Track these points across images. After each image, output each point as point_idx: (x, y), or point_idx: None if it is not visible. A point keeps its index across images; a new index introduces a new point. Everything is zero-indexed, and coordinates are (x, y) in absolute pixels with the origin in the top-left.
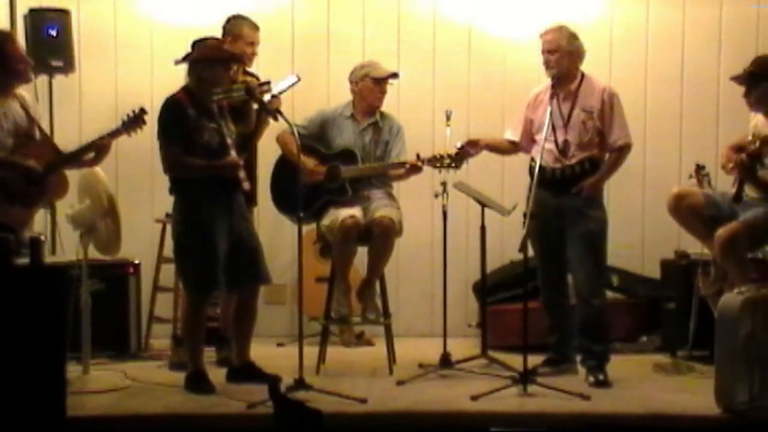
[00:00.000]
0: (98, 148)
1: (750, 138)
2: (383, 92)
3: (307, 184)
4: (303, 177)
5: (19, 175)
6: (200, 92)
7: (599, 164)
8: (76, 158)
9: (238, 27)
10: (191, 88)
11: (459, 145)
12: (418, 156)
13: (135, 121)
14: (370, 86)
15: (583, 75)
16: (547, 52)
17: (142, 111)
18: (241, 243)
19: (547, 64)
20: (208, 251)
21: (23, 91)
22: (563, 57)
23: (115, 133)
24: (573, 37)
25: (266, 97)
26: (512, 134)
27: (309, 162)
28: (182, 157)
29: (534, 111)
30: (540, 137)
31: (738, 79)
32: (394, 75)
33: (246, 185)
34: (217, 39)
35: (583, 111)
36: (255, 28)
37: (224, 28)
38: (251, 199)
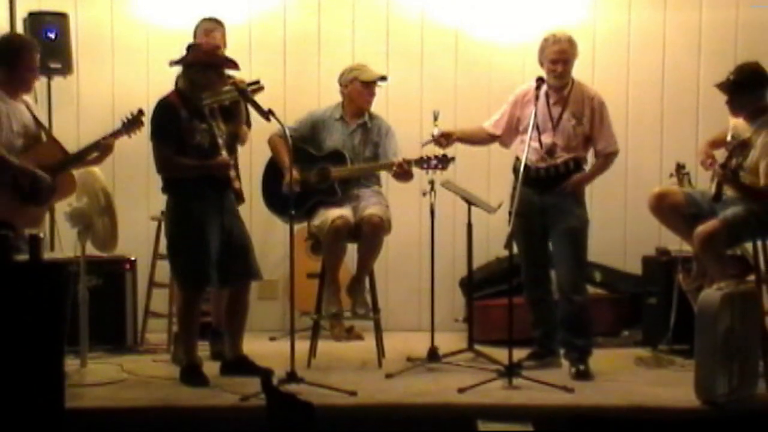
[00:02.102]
0: (102, 148)
1: (729, 138)
2: (372, 95)
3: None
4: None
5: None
6: (192, 95)
7: (582, 164)
8: (82, 158)
9: (197, 26)
10: (183, 90)
11: (434, 133)
12: (404, 159)
13: (134, 122)
14: (358, 89)
15: (573, 81)
16: (562, 62)
17: (140, 112)
18: (232, 240)
19: (560, 75)
20: (199, 249)
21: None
22: (571, 68)
23: (116, 134)
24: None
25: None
26: (493, 127)
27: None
28: (174, 157)
29: (522, 110)
30: (527, 137)
31: (722, 86)
32: (383, 78)
33: (237, 184)
34: (213, 44)
35: (573, 117)
36: (213, 27)
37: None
38: (239, 196)
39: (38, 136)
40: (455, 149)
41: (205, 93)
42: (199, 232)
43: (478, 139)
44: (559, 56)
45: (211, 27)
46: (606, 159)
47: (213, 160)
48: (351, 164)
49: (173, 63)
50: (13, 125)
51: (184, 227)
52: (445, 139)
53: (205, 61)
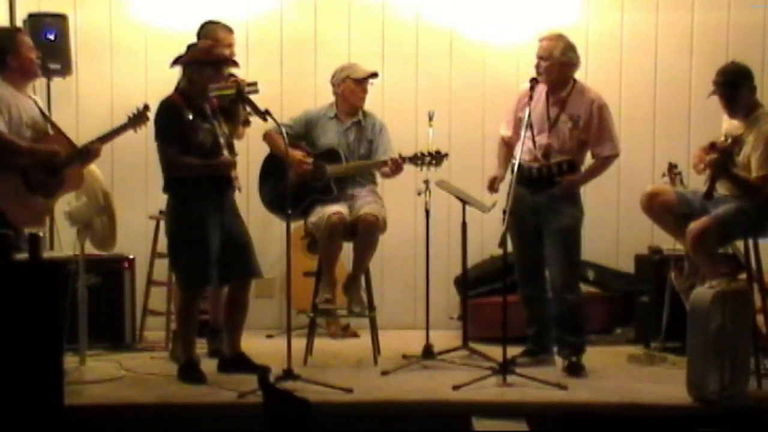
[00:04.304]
0: (89, 152)
1: (722, 139)
2: (364, 92)
3: (293, 181)
4: (291, 171)
5: (40, 165)
6: (192, 93)
7: (577, 165)
8: (88, 151)
9: (213, 31)
10: (184, 89)
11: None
12: (399, 155)
13: (140, 116)
14: (351, 87)
15: (575, 82)
16: (539, 57)
17: (146, 107)
18: (233, 239)
19: (537, 69)
20: (200, 247)
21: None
22: (554, 66)
23: (121, 129)
24: (568, 47)
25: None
26: (506, 128)
27: (296, 154)
28: (180, 156)
29: (522, 110)
30: (521, 136)
31: (717, 92)
32: (374, 75)
33: (237, 184)
34: (209, 42)
35: (570, 119)
36: (229, 31)
37: (199, 34)
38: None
39: (46, 131)
40: (449, 147)
41: (211, 86)
42: (200, 231)
43: (508, 153)
44: (539, 52)
45: (228, 29)
46: (603, 162)
47: (218, 159)
48: (346, 162)
49: (173, 63)
50: (23, 116)
51: (185, 226)
52: (496, 184)
53: (201, 60)
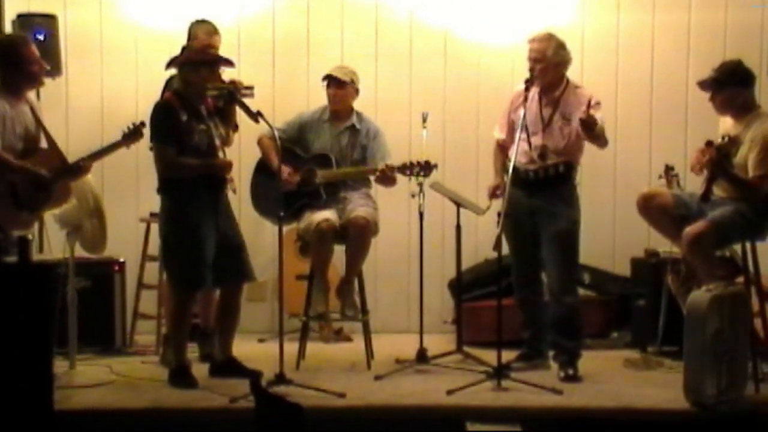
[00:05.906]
0: (79, 170)
1: (719, 140)
2: (336, 95)
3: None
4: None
5: (28, 180)
6: (188, 94)
7: (574, 167)
8: (78, 168)
9: (194, 30)
10: (179, 90)
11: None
12: (387, 165)
13: (134, 132)
14: (327, 89)
15: (567, 82)
16: (533, 60)
17: (142, 124)
18: (227, 241)
19: (532, 72)
20: (195, 250)
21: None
22: (548, 67)
23: (115, 146)
24: (560, 46)
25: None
26: (500, 131)
27: (284, 170)
28: (177, 158)
29: (516, 111)
30: (516, 138)
31: (703, 84)
32: (328, 77)
33: (232, 185)
34: (204, 43)
35: (563, 117)
36: (212, 32)
37: (189, 33)
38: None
39: (38, 138)
40: (443, 149)
41: (209, 84)
42: (195, 233)
43: (505, 158)
44: (531, 55)
45: (212, 30)
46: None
47: (216, 159)
48: (337, 167)
49: (169, 65)
50: (17, 128)
51: (179, 228)
52: (497, 190)
53: (195, 60)
